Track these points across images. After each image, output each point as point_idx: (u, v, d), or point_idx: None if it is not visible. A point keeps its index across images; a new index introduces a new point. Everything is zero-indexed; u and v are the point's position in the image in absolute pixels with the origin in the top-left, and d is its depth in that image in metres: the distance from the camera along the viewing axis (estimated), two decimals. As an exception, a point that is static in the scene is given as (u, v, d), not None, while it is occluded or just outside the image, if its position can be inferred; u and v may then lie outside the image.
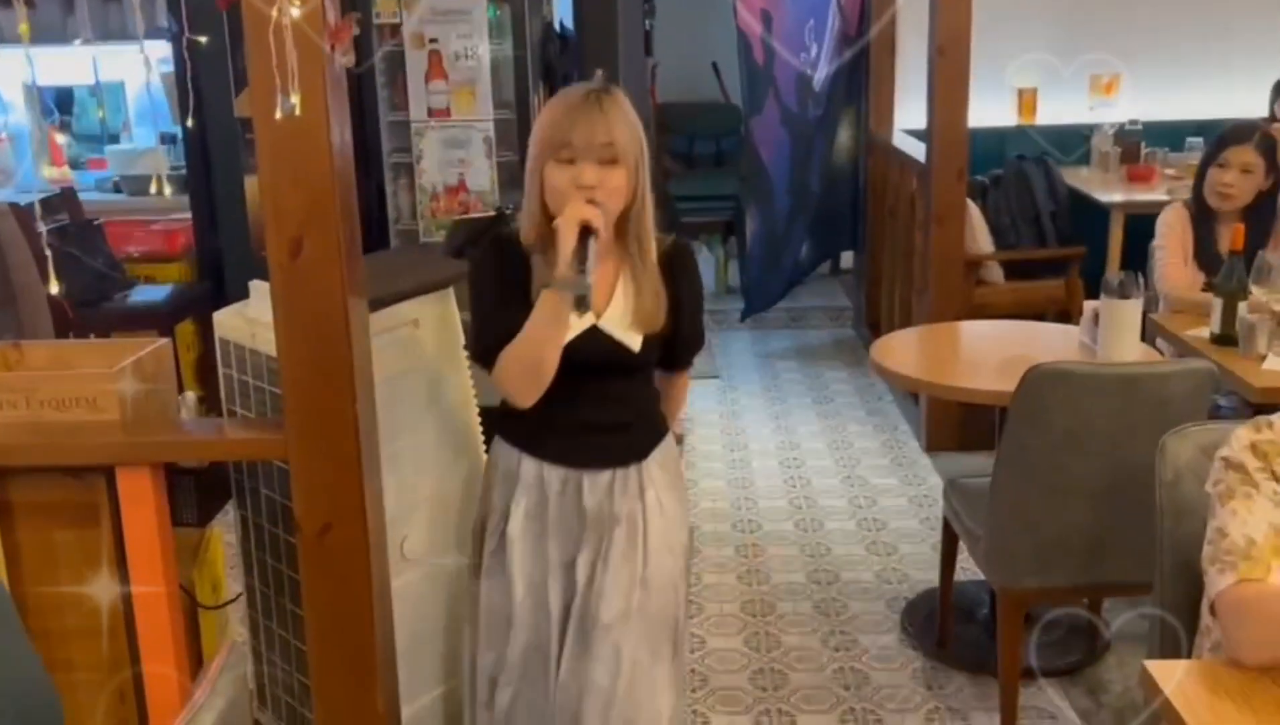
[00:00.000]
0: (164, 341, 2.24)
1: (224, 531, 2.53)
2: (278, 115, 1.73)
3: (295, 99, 1.73)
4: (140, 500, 2.05)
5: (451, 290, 2.43)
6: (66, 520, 2.06)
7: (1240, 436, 1.77)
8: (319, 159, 1.89)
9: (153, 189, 1.37)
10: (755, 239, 6.03)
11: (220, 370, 2.38)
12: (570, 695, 2.09)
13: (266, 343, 2.13)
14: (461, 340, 2.47)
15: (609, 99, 2.02)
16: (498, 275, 2.08)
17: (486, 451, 2.56)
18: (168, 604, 2.11)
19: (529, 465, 2.13)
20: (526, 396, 2.04)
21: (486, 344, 2.05)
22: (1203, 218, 3.45)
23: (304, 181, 1.89)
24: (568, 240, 1.92)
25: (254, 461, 2.32)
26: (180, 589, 2.17)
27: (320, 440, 1.99)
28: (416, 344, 2.37)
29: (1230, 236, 3.28)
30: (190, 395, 2.26)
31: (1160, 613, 2.04)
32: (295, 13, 1.69)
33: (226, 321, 2.35)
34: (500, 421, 2.18)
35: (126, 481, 2.04)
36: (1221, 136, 3.48)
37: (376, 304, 2.17)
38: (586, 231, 1.93)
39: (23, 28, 1.53)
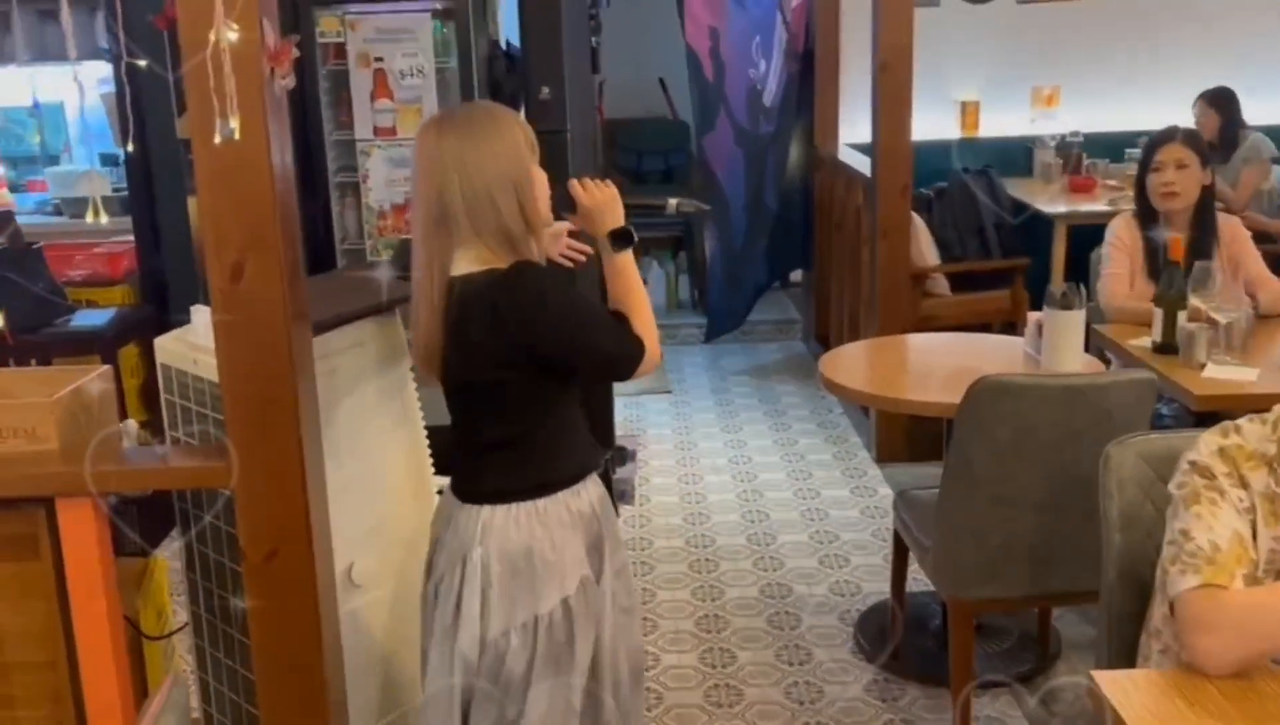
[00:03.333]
0: (105, 368, 2.19)
1: (170, 559, 2.49)
2: (217, 140, 1.71)
3: (235, 123, 1.71)
4: (81, 531, 2.01)
5: (397, 312, 2.41)
6: (5, 554, 2.01)
7: (1208, 441, 1.77)
8: (260, 183, 1.87)
9: (89, 217, 1.34)
10: (714, 258, 6.03)
11: (163, 396, 2.35)
12: None
13: (209, 368, 2.10)
14: (409, 361, 2.45)
15: None
16: (577, 290, 2.11)
17: (436, 473, 2.55)
18: (110, 636, 2.07)
19: (585, 493, 2.10)
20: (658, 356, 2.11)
21: (635, 346, 2.05)
22: (1151, 227, 3.46)
23: (245, 206, 1.87)
24: (616, 207, 2.10)
25: (198, 489, 2.29)
26: (124, 619, 2.14)
27: (265, 467, 1.96)
28: (363, 366, 2.35)
29: (1179, 243, 3.34)
30: (132, 423, 2.22)
31: (1105, 621, 2.07)
32: (233, 36, 1.68)
33: (168, 347, 2.31)
34: (543, 467, 2.06)
35: (67, 513, 2.00)
36: (1149, 142, 3.54)
37: (321, 327, 2.15)
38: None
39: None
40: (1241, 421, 1.79)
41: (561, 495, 2.05)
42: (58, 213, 5.21)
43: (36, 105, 5.56)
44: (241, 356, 1.93)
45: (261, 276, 1.90)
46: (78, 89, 1.43)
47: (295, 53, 1.91)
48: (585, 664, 2.06)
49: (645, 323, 2.07)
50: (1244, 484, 1.72)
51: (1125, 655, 2.01)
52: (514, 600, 2.01)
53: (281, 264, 1.90)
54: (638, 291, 2.10)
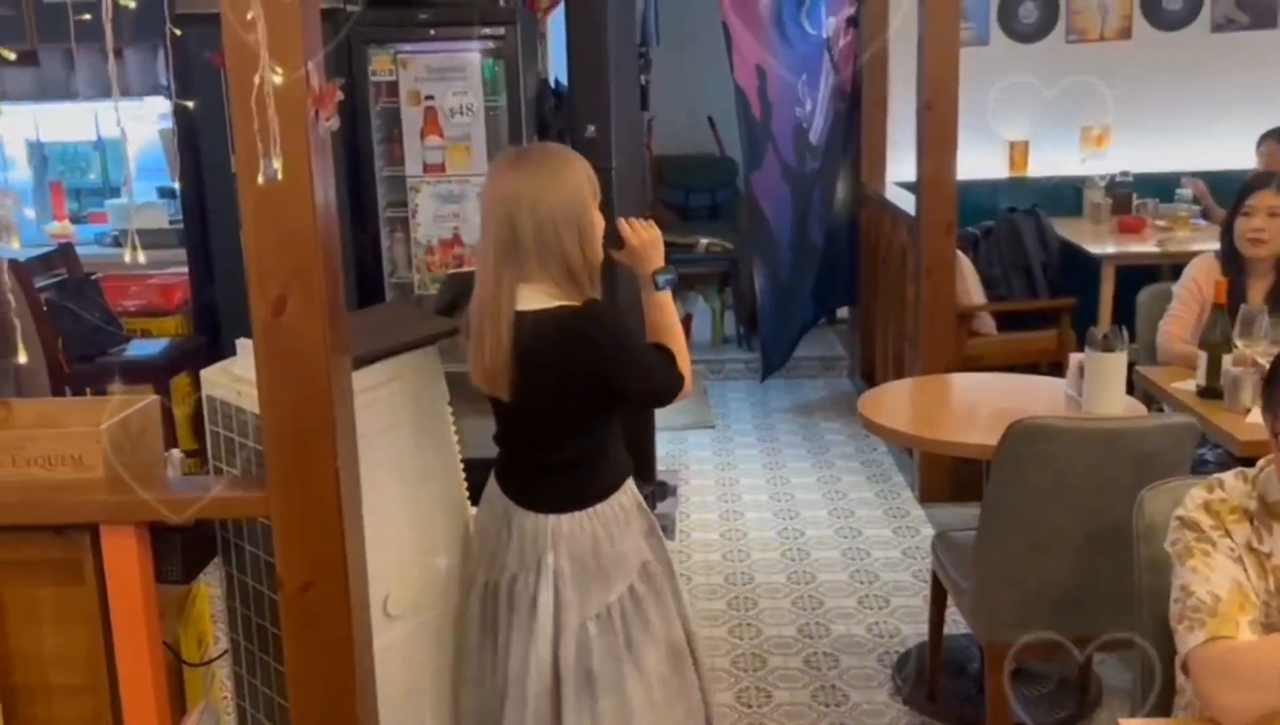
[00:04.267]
0: (152, 398, 2.25)
1: (211, 587, 2.53)
2: (260, 180, 1.76)
3: (278, 163, 1.76)
4: (124, 558, 2.06)
5: (436, 347, 2.45)
6: (50, 578, 2.07)
7: (1194, 496, 1.81)
8: (303, 221, 1.91)
9: (126, 256, 1.38)
10: (764, 295, 6.03)
11: (208, 427, 2.40)
12: None
13: (252, 401, 2.15)
14: (446, 396, 2.49)
15: None
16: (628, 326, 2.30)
17: (473, 503, 2.58)
18: (151, 661, 2.11)
19: (630, 489, 2.37)
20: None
21: (678, 378, 2.27)
22: (1234, 271, 3.38)
23: (287, 242, 1.91)
24: (660, 247, 2.29)
25: (239, 519, 2.33)
26: (164, 646, 2.18)
27: (302, 498, 2.00)
28: (401, 401, 2.39)
29: (1260, 289, 3.30)
30: (176, 453, 2.28)
31: (1139, 666, 2.05)
32: (278, 79, 1.73)
33: (213, 379, 2.37)
34: (598, 477, 2.32)
35: (111, 540, 2.05)
36: (1243, 186, 3.48)
37: (361, 361, 2.19)
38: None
39: None
40: (1226, 476, 1.81)
41: (613, 497, 2.31)
42: (116, 244, 5.34)
43: (99, 140, 5.75)
44: (282, 389, 1.97)
45: (303, 311, 1.94)
46: (121, 131, 1.47)
47: (339, 95, 1.96)
48: (665, 637, 2.35)
49: (682, 356, 2.29)
50: (1230, 535, 1.74)
51: (1160, 702, 1.99)
52: (587, 593, 2.26)
53: (323, 299, 1.95)
54: (676, 326, 2.31)
